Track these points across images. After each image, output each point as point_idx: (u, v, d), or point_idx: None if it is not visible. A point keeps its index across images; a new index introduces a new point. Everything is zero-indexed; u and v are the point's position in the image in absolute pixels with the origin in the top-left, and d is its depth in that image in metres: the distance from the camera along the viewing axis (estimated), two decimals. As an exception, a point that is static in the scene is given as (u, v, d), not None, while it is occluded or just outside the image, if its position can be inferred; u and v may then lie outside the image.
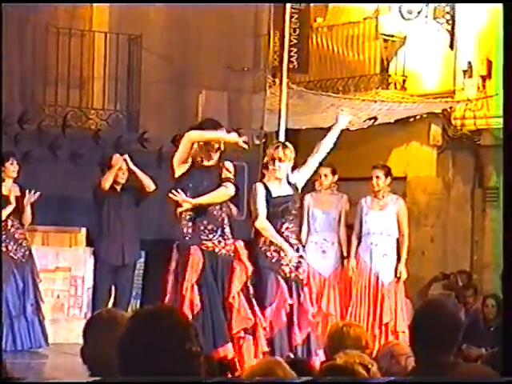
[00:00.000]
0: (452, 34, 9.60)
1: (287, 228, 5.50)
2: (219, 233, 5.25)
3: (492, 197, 10.30)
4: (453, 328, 3.35)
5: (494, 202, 10.22)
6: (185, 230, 5.19)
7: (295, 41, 9.81)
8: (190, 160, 5.25)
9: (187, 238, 5.19)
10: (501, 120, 9.03)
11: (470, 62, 9.77)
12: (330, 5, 11.05)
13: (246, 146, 5.60)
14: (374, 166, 7.36)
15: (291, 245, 5.46)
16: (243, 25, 10.17)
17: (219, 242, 5.25)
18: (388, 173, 7.15)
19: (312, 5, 10.57)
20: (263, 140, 8.64)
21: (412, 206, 9.71)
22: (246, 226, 6.26)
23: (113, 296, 7.44)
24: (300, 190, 5.86)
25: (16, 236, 7.01)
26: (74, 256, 7.91)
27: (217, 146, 5.29)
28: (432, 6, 9.93)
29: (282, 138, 8.18)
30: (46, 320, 7.25)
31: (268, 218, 5.47)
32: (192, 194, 5.17)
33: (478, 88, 9.92)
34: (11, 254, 6.94)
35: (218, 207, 5.27)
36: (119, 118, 9.01)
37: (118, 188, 7.27)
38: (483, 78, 9.81)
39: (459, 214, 10.94)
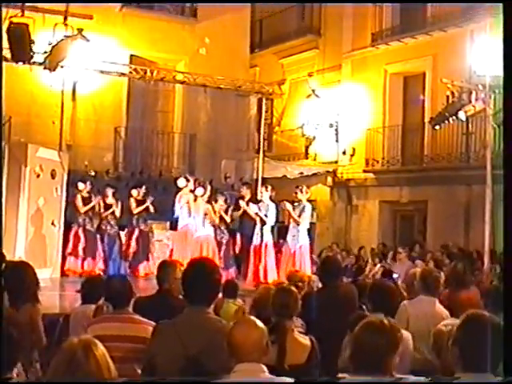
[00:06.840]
0: (337, 140, 17.53)
1: None
2: None
3: (354, 210, 17.28)
4: (339, 268, 5.63)
5: (356, 213, 17.30)
6: None
7: (266, 136, 17.17)
8: None
9: None
10: (360, 175, 17.16)
11: (344, 149, 17.40)
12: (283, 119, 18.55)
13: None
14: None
15: None
16: (243, 121, 16.67)
17: None
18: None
19: (274, 117, 18.49)
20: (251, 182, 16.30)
21: (318, 212, 17.06)
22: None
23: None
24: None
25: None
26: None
27: None
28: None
29: (259, 182, 15.10)
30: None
31: None
32: None
33: (349, 160, 17.30)
34: None
35: None
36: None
37: None
38: (351, 156, 17.18)
39: (339, 217, 17.37)
